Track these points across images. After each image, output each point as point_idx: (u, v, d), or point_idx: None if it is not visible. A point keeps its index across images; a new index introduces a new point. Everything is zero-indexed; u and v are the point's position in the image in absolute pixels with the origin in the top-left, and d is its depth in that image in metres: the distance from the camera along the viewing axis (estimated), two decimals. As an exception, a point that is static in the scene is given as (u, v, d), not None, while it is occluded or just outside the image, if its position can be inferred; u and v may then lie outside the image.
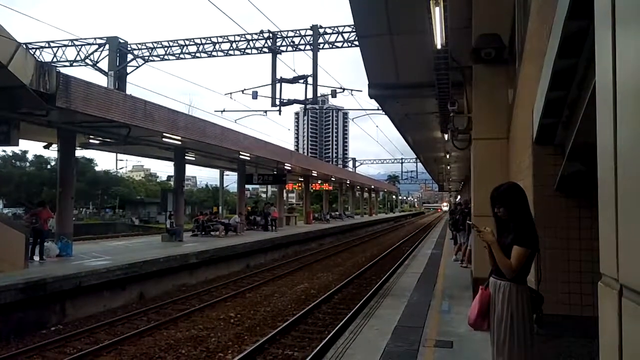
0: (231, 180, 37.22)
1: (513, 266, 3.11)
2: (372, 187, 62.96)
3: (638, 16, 1.08)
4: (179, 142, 16.81)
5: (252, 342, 8.12)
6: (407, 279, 11.03)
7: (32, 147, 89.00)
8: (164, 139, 15.88)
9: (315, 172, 34.24)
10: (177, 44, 23.54)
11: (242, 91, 21.51)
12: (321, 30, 21.17)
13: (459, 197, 36.69)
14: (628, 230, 1.14)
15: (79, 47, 23.65)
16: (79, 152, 20.02)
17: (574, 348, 4.29)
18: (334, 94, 21.55)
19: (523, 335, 3.11)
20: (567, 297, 4.48)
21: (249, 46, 22.43)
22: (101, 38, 23.84)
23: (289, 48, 21.72)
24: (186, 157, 20.75)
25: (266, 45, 21.89)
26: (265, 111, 22.00)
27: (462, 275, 11.00)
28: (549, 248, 4.41)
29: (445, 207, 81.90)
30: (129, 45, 24.12)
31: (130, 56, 24.14)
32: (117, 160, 54.55)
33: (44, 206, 12.87)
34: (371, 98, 12.06)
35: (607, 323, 1.28)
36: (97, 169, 56.67)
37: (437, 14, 6.13)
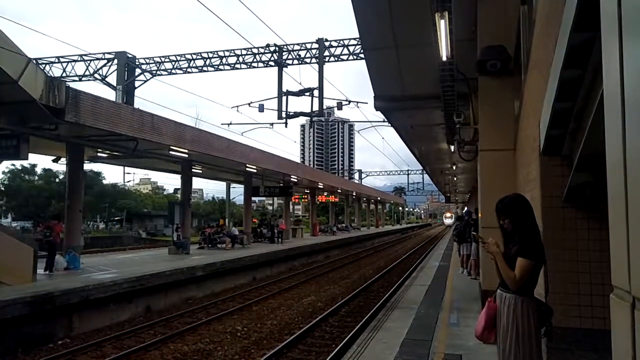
0: (238, 192, 37.36)
1: (516, 278, 3.09)
2: (379, 198, 62.79)
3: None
4: (186, 155, 16.91)
5: (259, 355, 8.06)
6: (415, 291, 10.94)
7: (41, 161, 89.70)
8: (171, 152, 15.99)
9: (322, 184, 34.23)
10: (184, 58, 23.79)
11: (249, 104, 21.64)
12: (327, 44, 21.32)
13: (465, 208, 36.50)
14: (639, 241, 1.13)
15: (88, 62, 23.98)
16: (87, 166, 20.18)
17: (585, 361, 4.22)
18: (339, 106, 21.62)
19: (529, 348, 3.07)
20: (577, 310, 4.41)
21: (255, 60, 22.63)
22: (110, 53, 24.16)
23: (295, 61, 21.89)
24: (193, 170, 20.85)
25: (272, 58, 22.07)
26: (272, 124, 22.11)
27: (471, 287, 10.89)
28: (558, 260, 4.36)
29: (448, 219, 74.75)
30: (137, 60, 24.43)
31: (138, 70, 24.42)
32: (124, 173, 54.94)
33: (58, 220, 13.06)
34: (377, 110, 12.11)
35: (620, 336, 1.26)
36: (104, 182, 57.08)
37: (442, 26, 6.16)
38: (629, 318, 1.16)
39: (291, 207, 40.09)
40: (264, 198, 61.18)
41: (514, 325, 3.11)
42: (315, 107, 20.00)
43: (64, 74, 23.76)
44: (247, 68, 22.99)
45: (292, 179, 27.40)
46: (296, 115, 20.60)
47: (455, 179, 30.94)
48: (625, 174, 1.19)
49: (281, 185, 28.40)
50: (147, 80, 24.61)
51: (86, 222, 52.99)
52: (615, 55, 1.26)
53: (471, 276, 12.40)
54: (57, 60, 24.15)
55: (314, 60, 21.47)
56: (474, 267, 12.24)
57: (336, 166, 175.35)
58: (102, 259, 17.38)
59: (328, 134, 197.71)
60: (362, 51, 16.62)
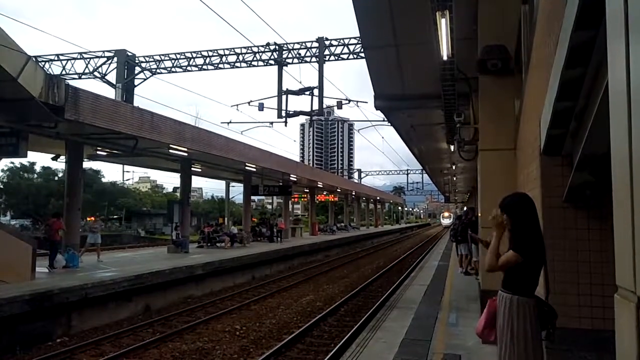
0: (237, 191, 37.28)
1: (497, 264, 3.12)
2: (378, 198, 62.80)
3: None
4: (186, 154, 16.89)
5: (258, 355, 8.05)
6: (414, 290, 10.94)
7: (40, 159, 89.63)
8: (170, 151, 15.97)
9: (321, 183, 34.22)
10: (184, 57, 23.76)
11: (249, 103, 21.64)
12: (327, 42, 21.30)
13: (464, 208, 36.50)
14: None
15: (88, 60, 23.93)
16: (86, 164, 20.16)
17: (585, 362, 4.21)
18: (339, 105, 21.60)
19: (524, 349, 3.06)
20: (577, 310, 4.40)
21: (255, 58, 22.61)
22: (109, 51, 24.12)
23: (295, 60, 21.86)
24: (192, 169, 20.83)
25: (272, 57, 22.05)
26: (271, 123, 22.11)
27: (470, 287, 10.89)
28: (558, 260, 4.35)
29: (446, 219, 68.96)
30: (136, 58, 24.39)
31: (137, 69, 24.39)
32: (123, 171, 54.62)
33: (57, 217, 13.06)
34: (377, 109, 12.10)
35: (625, 336, 1.25)
36: (103, 180, 56.94)
37: (442, 25, 6.16)
38: (633, 318, 1.15)
39: (290, 206, 40.07)
40: (263, 197, 61.13)
41: (509, 325, 3.11)
42: (315, 106, 20.01)
43: (64, 72, 23.71)
44: (247, 67, 22.98)
45: (291, 178, 27.39)
46: (296, 114, 20.60)
47: (454, 178, 30.94)
48: (631, 172, 1.18)
49: (280, 184, 28.37)
50: (147, 78, 24.59)
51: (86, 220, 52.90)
52: (621, 53, 1.24)
53: (470, 274, 12.41)
54: (56, 58, 24.10)
55: (314, 59, 21.45)
56: (473, 265, 12.27)
57: (336, 165, 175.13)
58: (101, 257, 17.33)
59: (328, 133, 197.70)
60: (362, 50, 16.62)
